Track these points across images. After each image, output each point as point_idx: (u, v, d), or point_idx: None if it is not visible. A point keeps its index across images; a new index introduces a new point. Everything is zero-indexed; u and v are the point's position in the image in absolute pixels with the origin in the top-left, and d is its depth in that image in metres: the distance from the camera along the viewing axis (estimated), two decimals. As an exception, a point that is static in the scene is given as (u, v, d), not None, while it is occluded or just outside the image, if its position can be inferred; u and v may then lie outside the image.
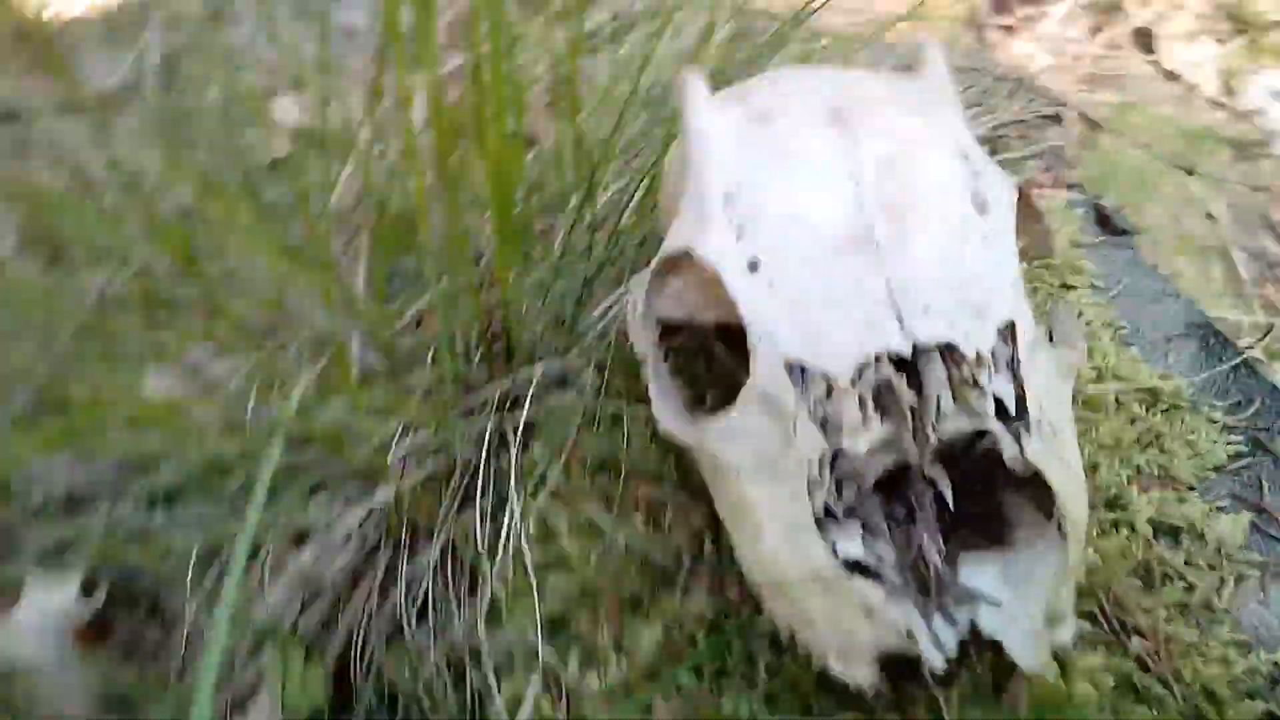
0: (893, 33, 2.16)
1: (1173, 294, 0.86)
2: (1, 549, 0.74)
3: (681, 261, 0.59)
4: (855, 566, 0.51)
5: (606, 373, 0.75)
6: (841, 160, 0.56)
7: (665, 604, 0.64)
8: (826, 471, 0.52)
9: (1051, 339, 0.62)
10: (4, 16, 0.83)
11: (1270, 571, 0.68)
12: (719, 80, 0.87)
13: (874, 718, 0.58)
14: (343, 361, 0.74)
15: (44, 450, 0.71)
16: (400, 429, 0.73)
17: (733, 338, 0.59)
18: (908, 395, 0.52)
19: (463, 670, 0.65)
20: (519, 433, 0.72)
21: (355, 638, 0.70)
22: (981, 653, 0.52)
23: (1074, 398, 0.71)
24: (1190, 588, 0.66)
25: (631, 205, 0.88)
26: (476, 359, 0.77)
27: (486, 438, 0.73)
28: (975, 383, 0.53)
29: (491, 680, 0.63)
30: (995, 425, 0.52)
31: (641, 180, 0.86)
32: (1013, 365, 0.54)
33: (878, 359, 0.52)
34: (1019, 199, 0.60)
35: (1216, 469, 0.73)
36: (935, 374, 0.52)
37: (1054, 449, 0.54)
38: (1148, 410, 0.75)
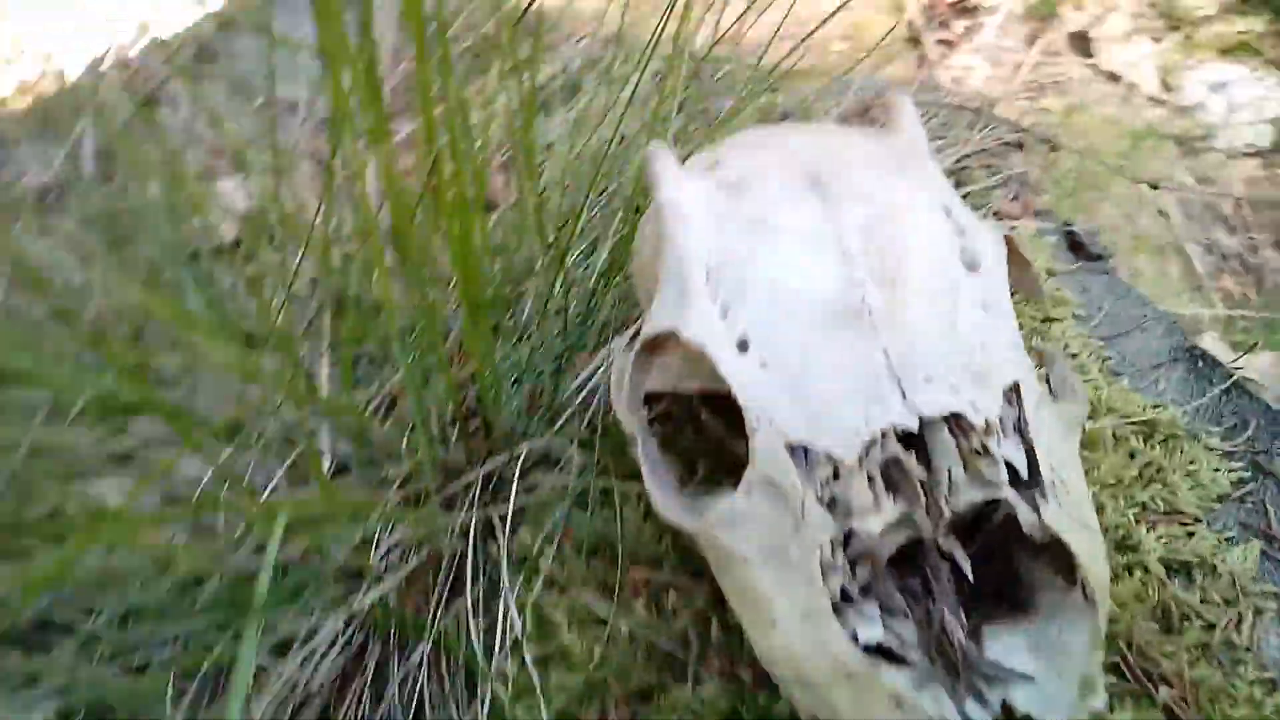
0: (835, 54, 2.16)
1: (1155, 317, 0.85)
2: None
3: (666, 340, 0.57)
4: (878, 650, 0.49)
5: (594, 446, 0.72)
6: (824, 229, 0.54)
7: (676, 694, 0.61)
8: (840, 555, 0.49)
9: (1050, 389, 0.60)
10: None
11: (1286, 601, 0.67)
12: (679, 136, 0.85)
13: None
14: (314, 457, 0.70)
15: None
16: (380, 523, 0.69)
17: (720, 403, 0.57)
18: (917, 470, 0.50)
19: (467, 780, 0.62)
20: (506, 518, 0.69)
21: (350, 749, 0.67)
22: (1017, 732, 0.50)
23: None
24: (1209, 626, 0.65)
25: (603, 263, 0.85)
26: (454, 441, 0.74)
27: (472, 525, 0.70)
28: (985, 450, 0.50)
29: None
30: (1009, 493, 0.50)
31: (613, 237, 0.84)
32: (1020, 427, 0.53)
33: (884, 435, 0.50)
34: (1007, 246, 0.59)
35: (1220, 498, 0.72)
36: (943, 445, 0.50)
37: (1070, 511, 0.52)
38: (1146, 443, 0.74)
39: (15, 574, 0.55)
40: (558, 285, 0.79)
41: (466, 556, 0.69)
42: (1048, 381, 0.60)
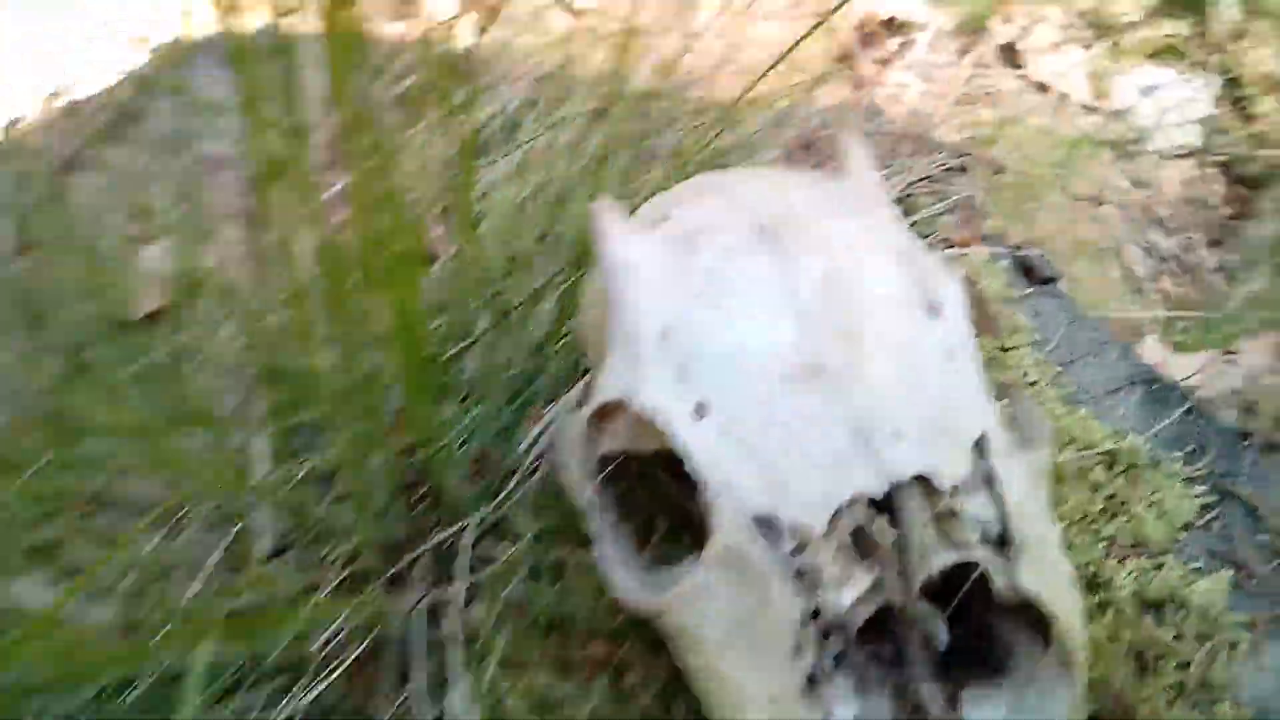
0: (770, 80, 2.16)
1: (1110, 340, 0.84)
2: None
3: (617, 408, 0.54)
4: (854, 728, 0.47)
5: (547, 511, 0.69)
6: (780, 283, 0.52)
7: (641, 778, 0.58)
8: (810, 630, 0.47)
9: (1016, 429, 0.58)
10: None
11: (1259, 631, 0.65)
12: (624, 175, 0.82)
13: None
14: (246, 545, 0.67)
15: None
16: (321, 610, 0.66)
17: (679, 462, 0.54)
18: (887, 536, 0.48)
19: None
20: (456, 595, 0.66)
21: None
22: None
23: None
24: (1184, 665, 0.63)
25: (551, 312, 0.82)
26: (399, 513, 0.71)
27: (422, 605, 0.66)
28: (955, 511, 0.48)
29: None
30: (982, 555, 0.48)
31: (560, 284, 0.81)
32: (990, 482, 0.51)
33: (852, 501, 0.47)
34: (965, 288, 0.57)
35: (1186, 526, 0.71)
36: (913, 509, 0.48)
37: (1044, 568, 0.50)
38: (1109, 474, 0.72)
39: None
40: (503, 340, 0.76)
41: (416, 639, 0.65)
42: (1014, 420, 0.59)
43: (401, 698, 0.65)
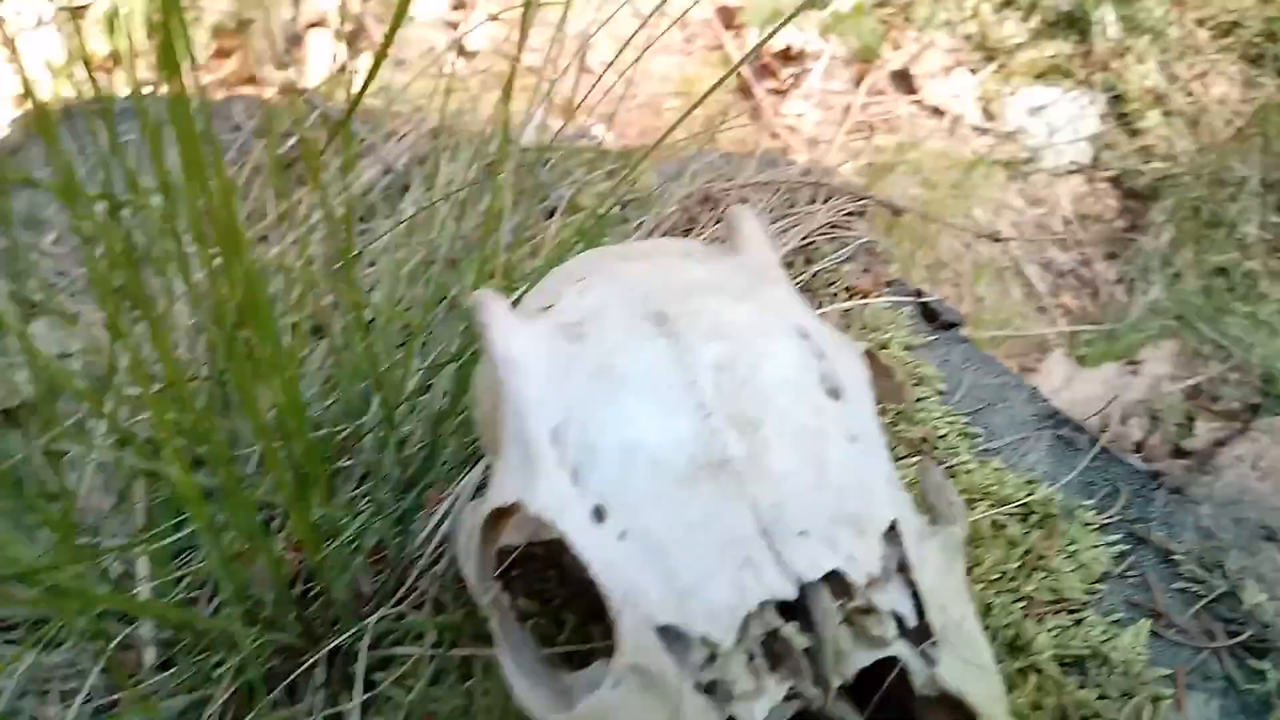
0: (668, 112, 2.14)
1: (1015, 384, 0.84)
2: None
3: (513, 508, 0.51)
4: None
5: (451, 606, 0.66)
6: (675, 373, 0.49)
7: None
8: (725, 743, 0.44)
9: (928, 504, 0.57)
10: None
11: (1181, 682, 0.65)
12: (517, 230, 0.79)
13: None
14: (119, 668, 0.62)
15: None
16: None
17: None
18: (800, 641, 0.45)
19: None
20: (356, 705, 0.62)
21: None
22: None
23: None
24: (1111, 725, 0.62)
25: (449, 386, 0.79)
26: (290, 618, 0.67)
27: (317, 716, 0.62)
28: (870, 607, 0.46)
29: None
30: (901, 649, 0.46)
31: (457, 354, 0.78)
32: (904, 569, 0.49)
33: (761, 606, 0.45)
34: (868, 362, 0.55)
35: (1104, 577, 0.70)
36: (825, 609, 0.46)
37: (963, 654, 0.48)
38: (1024, 528, 0.71)
39: None
40: (395, 420, 0.72)
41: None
42: (924, 496, 0.57)
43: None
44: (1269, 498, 1.55)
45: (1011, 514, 0.72)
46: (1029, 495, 0.73)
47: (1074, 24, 2.44)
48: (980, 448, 0.78)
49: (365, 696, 0.62)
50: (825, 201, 0.95)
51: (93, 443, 0.73)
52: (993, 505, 0.72)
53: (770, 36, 0.74)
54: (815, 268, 0.89)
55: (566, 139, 1.13)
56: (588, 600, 0.64)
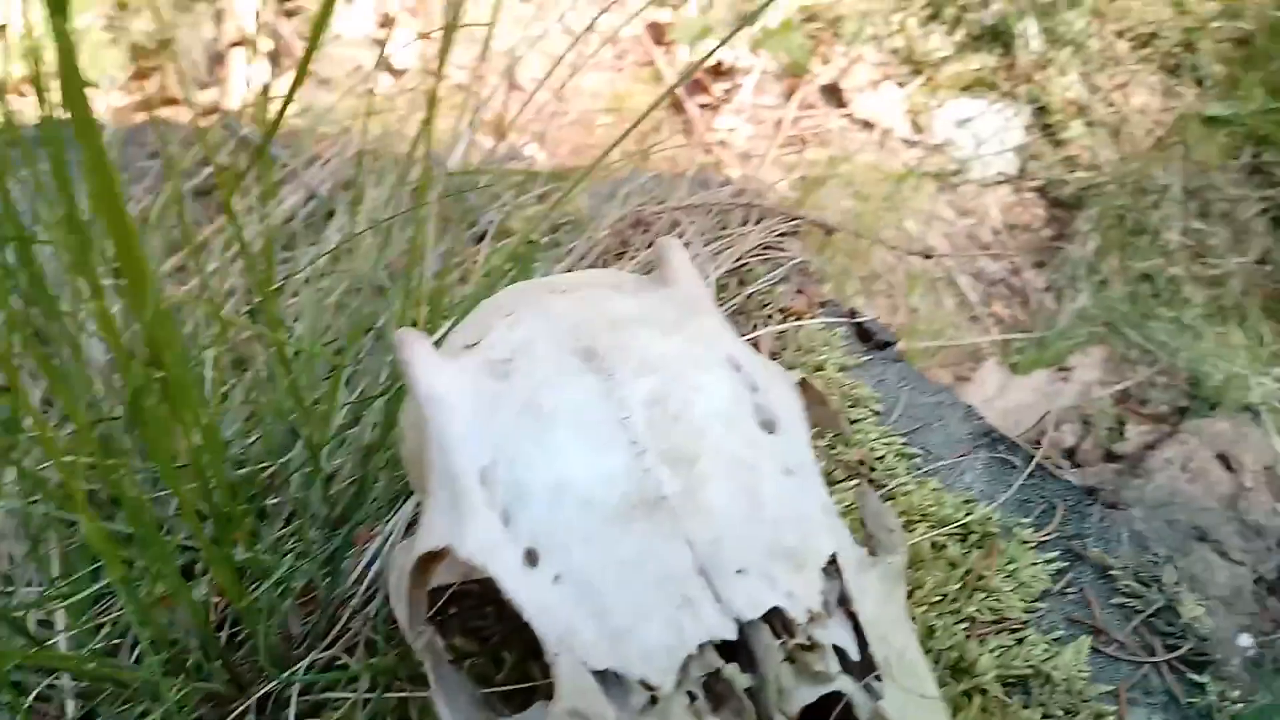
0: (601, 129, 2.14)
1: (950, 402, 0.84)
2: None
3: (443, 552, 0.49)
4: None
5: (383, 648, 0.64)
6: (606, 409, 0.48)
7: None
8: (668, 790, 0.43)
9: (867, 533, 0.56)
10: None
11: (1124, 698, 0.65)
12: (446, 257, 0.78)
13: None
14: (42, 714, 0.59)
15: None
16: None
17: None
18: (742, 681, 0.44)
19: None
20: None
21: None
22: None
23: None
24: (1055, 743, 0.62)
25: (378, 418, 0.77)
26: (217, 665, 0.64)
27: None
28: (811, 643, 0.45)
29: None
30: (844, 684, 0.45)
31: (384, 384, 0.76)
32: (844, 601, 0.48)
33: (701, 648, 0.44)
34: (802, 391, 0.54)
35: (1043, 595, 0.70)
36: (766, 648, 0.45)
37: (907, 683, 0.47)
38: (964, 549, 0.71)
39: None
40: (322, 456, 0.70)
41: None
42: (863, 523, 0.56)
43: None
44: (1199, 499, 1.58)
45: (951, 535, 0.72)
46: (968, 515, 0.73)
47: (998, 37, 2.48)
48: (918, 469, 0.78)
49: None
50: (757, 222, 0.94)
51: (1, 489, 0.70)
52: (932, 526, 0.72)
53: (707, 58, 0.73)
54: (749, 290, 0.89)
55: (498, 159, 1.12)
56: (525, 637, 0.63)
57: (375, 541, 0.71)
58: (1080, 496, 0.77)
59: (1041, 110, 2.40)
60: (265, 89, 0.64)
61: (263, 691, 0.63)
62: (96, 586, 0.65)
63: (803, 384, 0.55)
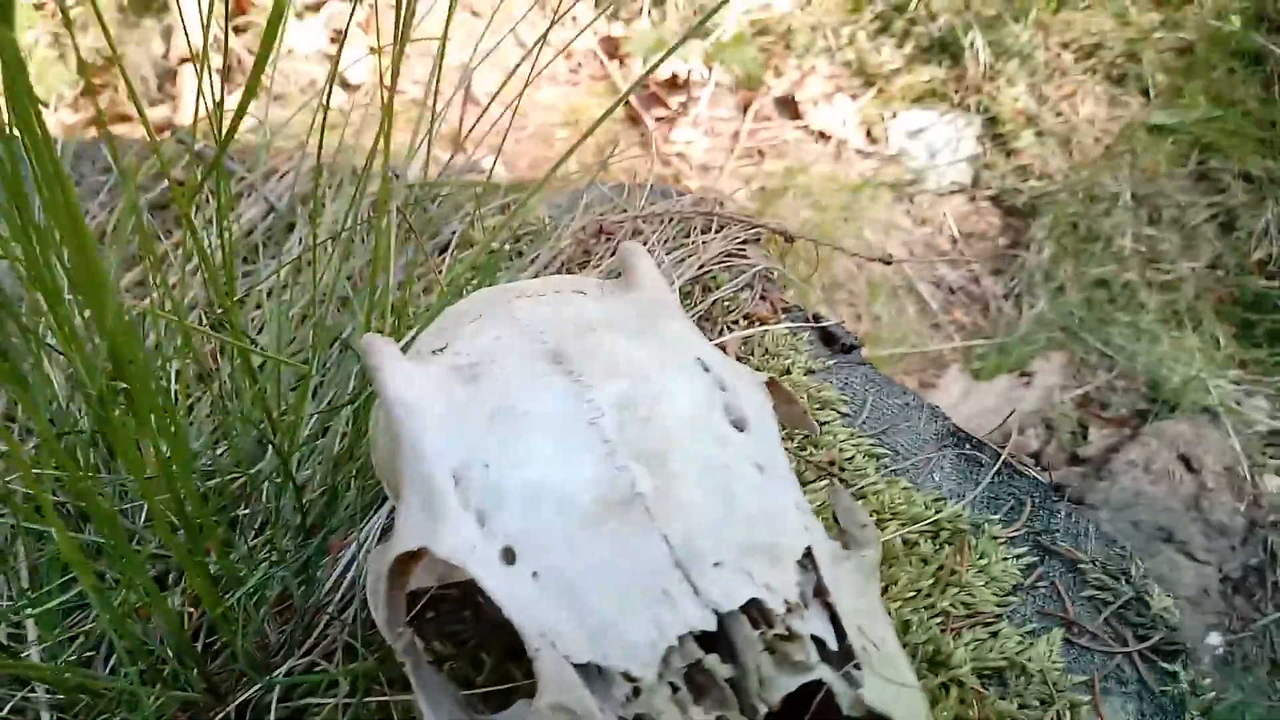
0: (559, 142, 2.14)
1: (917, 404, 0.84)
2: None
3: (419, 553, 0.49)
4: None
5: (362, 653, 0.63)
6: (577, 411, 0.48)
7: None
8: (652, 782, 0.43)
9: (840, 528, 0.56)
10: None
11: (1097, 687, 0.65)
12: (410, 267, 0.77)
13: None
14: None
15: None
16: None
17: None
18: (723, 671, 0.44)
19: None
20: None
21: None
22: None
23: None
24: (1032, 733, 0.62)
25: (345, 428, 0.77)
26: (193, 674, 0.63)
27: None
28: (790, 634, 0.46)
29: None
30: (824, 673, 0.46)
31: (352, 394, 0.75)
32: (820, 593, 0.48)
33: (681, 640, 0.44)
34: (770, 390, 0.55)
35: (1015, 589, 0.71)
36: (746, 638, 0.45)
37: (886, 672, 0.47)
38: (935, 545, 0.72)
39: None
40: (290, 464, 0.70)
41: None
42: (835, 520, 0.57)
43: None
44: (1163, 499, 1.61)
45: (922, 532, 0.72)
46: (938, 513, 0.73)
47: (946, 49, 2.51)
48: (887, 468, 0.78)
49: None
50: (719, 231, 0.95)
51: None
52: (903, 524, 0.73)
53: (655, 67, 0.73)
54: (713, 297, 0.89)
55: (456, 171, 1.12)
56: (505, 639, 0.62)
57: (350, 549, 0.70)
58: (1047, 493, 0.77)
59: (992, 120, 2.44)
60: (220, 103, 0.63)
61: (242, 699, 0.62)
62: (66, 597, 0.64)
63: (770, 384, 0.55)
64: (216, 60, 2.14)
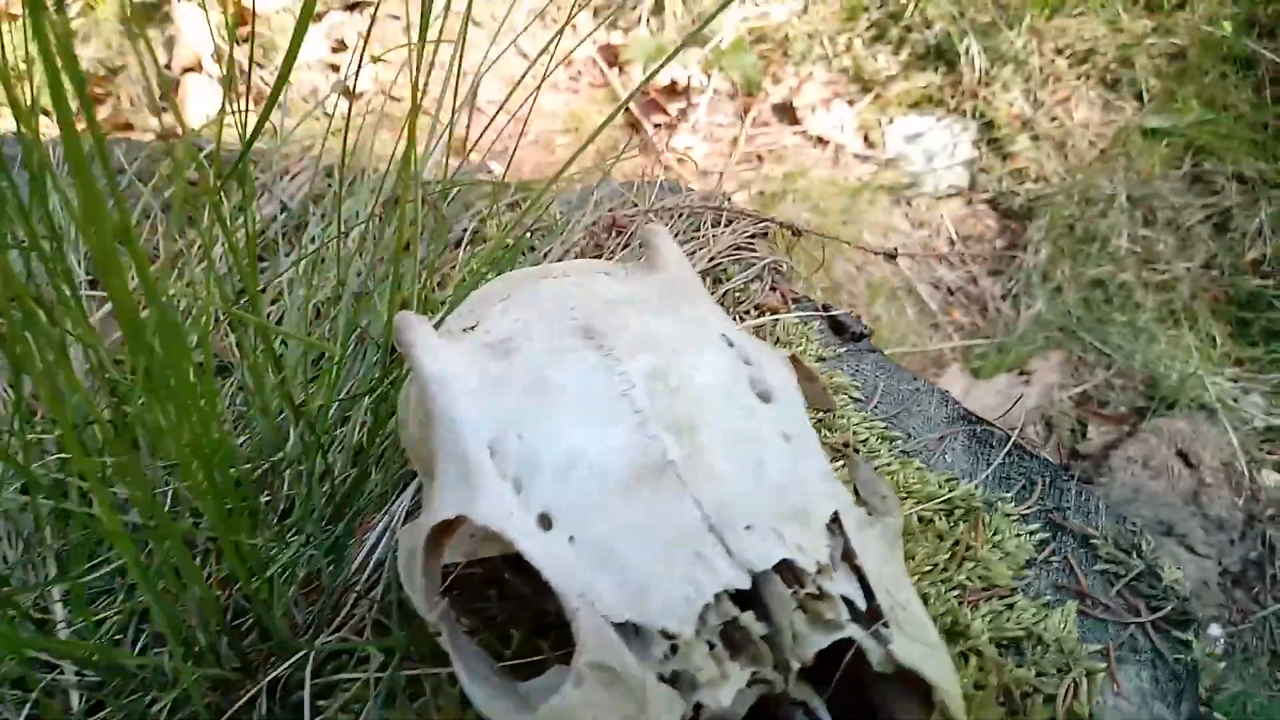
0: (561, 148, 2.15)
1: (926, 390, 0.86)
2: None
3: (456, 523, 0.50)
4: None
5: (392, 628, 0.64)
6: (608, 382, 0.50)
7: None
8: (690, 736, 0.44)
9: (862, 501, 0.58)
10: None
11: (1112, 656, 0.67)
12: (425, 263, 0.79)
13: None
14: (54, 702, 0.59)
15: None
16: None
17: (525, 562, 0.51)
18: (757, 628, 0.46)
19: None
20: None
21: None
22: None
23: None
24: (1050, 699, 0.64)
25: (366, 414, 0.78)
26: (227, 650, 0.64)
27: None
28: (821, 593, 0.47)
29: None
30: (854, 631, 0.47)
31: (372, 383, 0.77)
32: (848, 557, 0.49)
33: (717, 598, 0.45)
34: (793, 366, 0.56)
35: (1029, 563, 0.72)
36: (779, 597, 0.46)
37: (913, 633, 0.49)
38: (950, 522, 0.73)
39: None
40: (317, 450, 0.71)
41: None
42: (856, 493, 0.58)
43: None
44: (1162, 495, 1.62)
45: (937, 510, 0.74)
46: (951, 492, 0.75)
47: (941, 55, 2.54)
48: (900, 449, 0.80)
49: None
50: (728, 225, 0.96)
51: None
52: (918, 502, 0.74)
53: (654, 74, 0.75)
54: (724, 288, 0.91)
55: (465, 173, 1.13)
56: (532, 614, 0.64)
57: (375, 532, 0.71)
58: (1057, 473, 0.79)
59: (988, 125, 2.46)
60: (235, 110, 0.65)
61: (273, 675, 0.63)
62: (92, 579, 0.65)
63: (793, 360, 0.57)
64: (217, 70, 2.16)
